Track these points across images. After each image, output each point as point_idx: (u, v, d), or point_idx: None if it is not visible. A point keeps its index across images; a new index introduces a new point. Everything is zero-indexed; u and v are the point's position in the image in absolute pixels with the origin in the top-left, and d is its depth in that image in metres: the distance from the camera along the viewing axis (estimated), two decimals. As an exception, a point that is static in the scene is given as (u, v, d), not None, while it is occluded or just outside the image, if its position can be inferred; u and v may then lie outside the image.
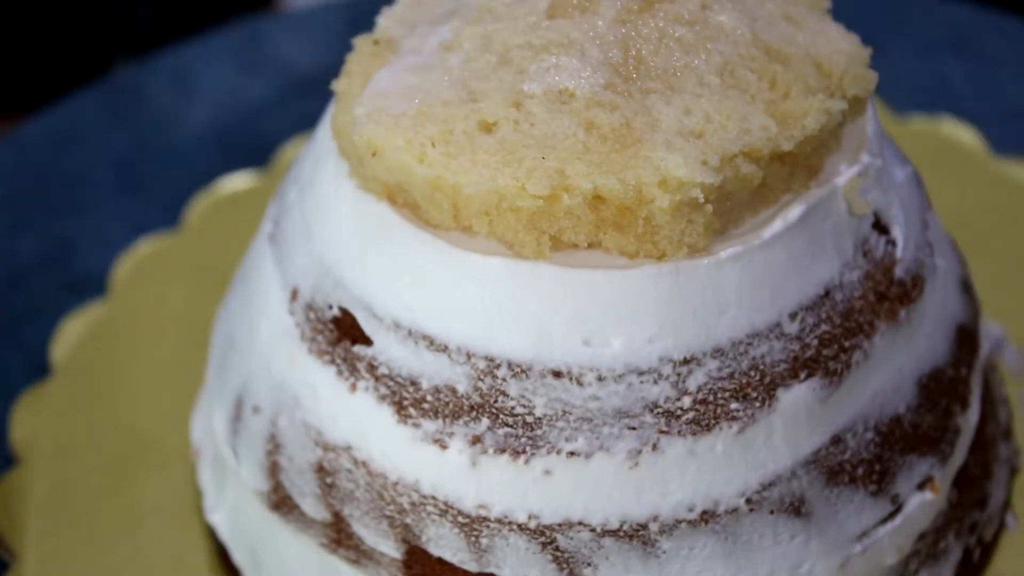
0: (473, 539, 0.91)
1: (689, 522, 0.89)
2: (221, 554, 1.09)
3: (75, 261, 1.36)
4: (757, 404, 0.88)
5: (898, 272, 0.94)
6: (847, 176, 0.91)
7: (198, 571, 1.09)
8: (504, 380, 0.88)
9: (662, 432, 0.88)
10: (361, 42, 0.96)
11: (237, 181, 1.41)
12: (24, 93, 1.79)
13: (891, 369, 0.93)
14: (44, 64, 1.81)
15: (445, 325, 0.88)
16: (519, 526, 0.90)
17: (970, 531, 1.03)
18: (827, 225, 0.90)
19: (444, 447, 0.90)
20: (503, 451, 0.89)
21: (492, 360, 0.88)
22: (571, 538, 0.89)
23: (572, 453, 0.88)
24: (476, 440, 0.89)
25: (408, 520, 0.92)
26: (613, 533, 0.89)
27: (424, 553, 0.93)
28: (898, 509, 0.95)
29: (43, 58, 1.82)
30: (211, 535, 1.10)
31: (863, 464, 0.92)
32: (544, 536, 0.90)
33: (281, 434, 0.97)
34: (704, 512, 0.89)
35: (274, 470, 0.99)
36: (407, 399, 0.90)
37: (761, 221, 0.88)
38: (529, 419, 0.88)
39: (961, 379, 0.99)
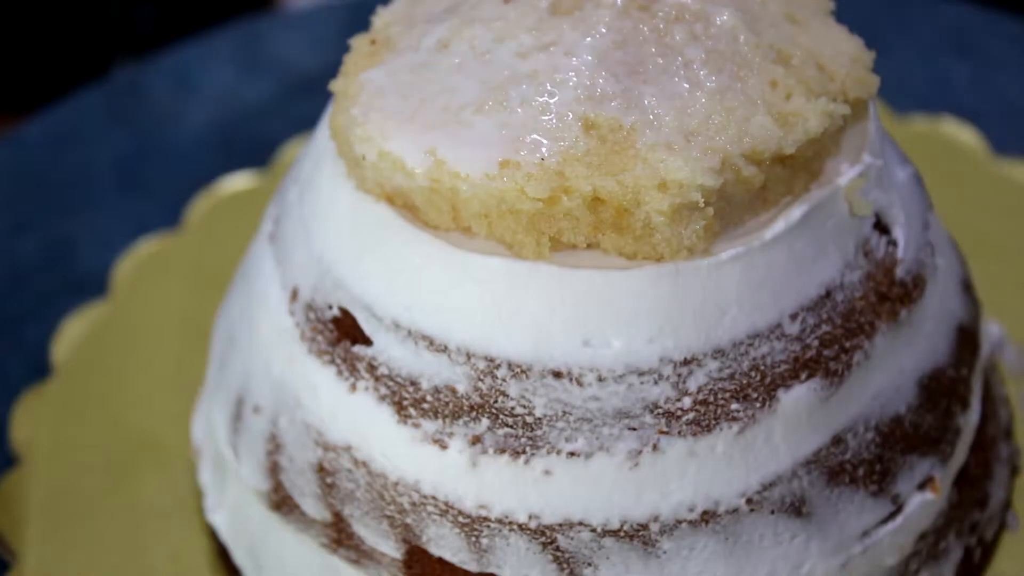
0: (473, 539, 0.91)
1: (690, 522, 0.89)
2: (221, 554, 1.09)
3: (75, 261, 1.36)
4: (758, 405, 0.88)
5: (899, 272, 0.94)
6: (848, 177, 0.91)
7: (198, 571, 1.09)
8: (504, 380, 0.88)
9: (662, 432, 0.88)
10: (358, 42, 0.96)
11: (237, 181, 1.41)
12: (24, 93, 1.79)
13: (892, 369, 0.93)
14: (44, 64, 1.81)
15: (445, 325, 0.88)
16: (519, 526, 0.90)
17: (971, 531, 1.03)
18: (828, 226, 0.90)
19: (444, 447, 0.90)
20: (503, 451, 0.89)
21: (492, 360, 0.88)
22: (572, 538, 0.89)
23: (572, 453, 0.88)
24: (476, 440, 0.89)
25: (408, 520, 0.92)
26: (614, 533, 0.89)
27: (424, 553, 0.93)
28: (899, 509, 0.95)
29: (43, 58, 1.81)
30: (211, 535, 1.10)
31: (864, 464, 0.92)
32: (544, 536, 0.90)
33: (282, 434, 0.97)
34: (704, 512, 0.89)
35: (274, 470, 0.99)
36: (407, 399, 0.90)
37: (762, 222, 0.88)
38: (529, 419, 0.88)
39: (962, 379, 0.99)
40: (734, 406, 0.88)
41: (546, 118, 0.87)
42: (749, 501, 0.90)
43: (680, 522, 0.89)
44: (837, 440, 0.91)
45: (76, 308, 1.29)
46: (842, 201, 0.91)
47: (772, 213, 0.89)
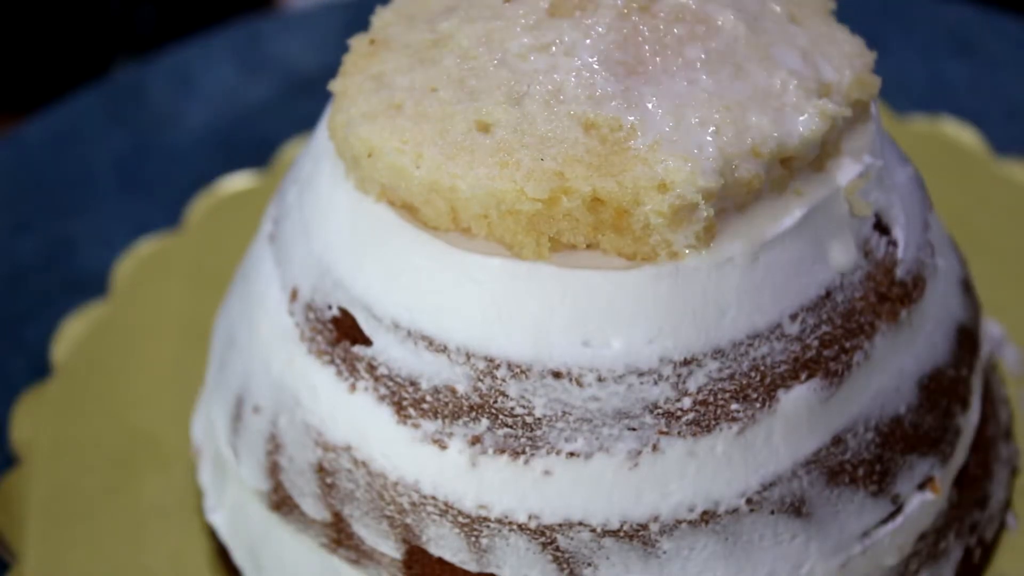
0: (473, 539, 0.91)
1: (689, 522, 0.89)
2: (221, 554, 1.09)
3: (76, 261, 1.36)
4: (757, 405, 0.88)
5: (899, 273, 0.94)
6: (849, 177, 0.91)
7: (198, 571, 1.09)
8: (504, 381, 0.88)
9: (662, 433, 0.87)
10: (357, 42, 0.96)
11: (237, 181, 1.41)
12: (24, 93, 1.79)
13: (892, 369, 0.93)
14: (44, 64, 1.81)
15: (444, 325, 0.88)
16: (519, 526, 0.90)
17: (971, 531, 1.03)
18: (828, 226, 0.90)
19: (444, 447, 0.90)
20: (503, 451, 0.89)
21: (492, 360, 0.88)
22: (571, 538, 0.89)
23: (572, 454, 0.88)
24: (476, 440, 0.89)
25: (408, 520, 0.92)
26: (613, 533, 0.89)
27: (424, 553, 0.93)
28: (899, 509, 0.95)
29: (43, 58, 1.81)
30: (211, 535, 1.10)
31: (864, 464, 0.92)
32: (544, 536, 0.90)
33: (281, 434, 0.97)
34: (704, 512, 0.89)
35: (274, 470, 0.99)
36: (407, 399, 0.90)
37: (762, 222, 0.88)
38: (529, 420, 0.88)
39: (962, 379, 0.99)
40: (734, 406, 0.88)
41: (546, 118, 0.87)
42: (749, 501, 0.90)
43: (680, 522, 0.89)
44: (837, 440, 0.91)
45: (76, 308, 1.29)
46: (842, 201, 0.91)
47: (772, 213, 0.89)
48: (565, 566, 0.90)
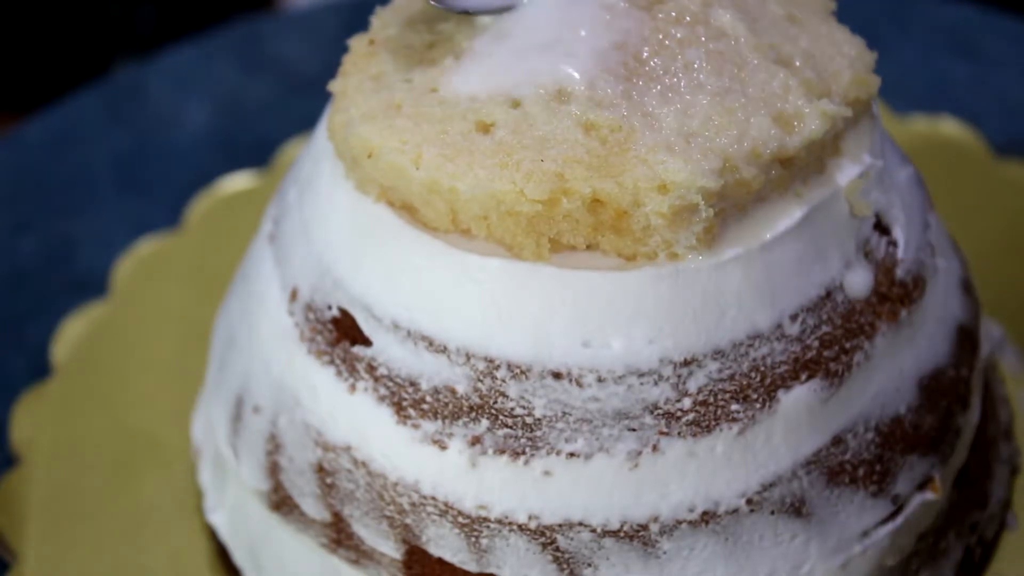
0: (473, 539, 0.91)
1: (689, 523, 0.89)
2: (221, 554, 1.09)
3: (76, 261, 1.36)
4: (757, 405, 0.88)
5: (899, 273, 0.94)
6: (849, 177, 0.91)
7: (198, 571, 1.09)
8: (504, 381, 0.88)
9: (662, 433, 0.87)
10: (357, 42, 0.96)
11: (237, 181, 1.41)
12: (24, 93, 1.79)
13: (892, 370, 0.93)
14: (44, 64, 1.81)
15: (444, 326, 0.88)
16: (519, 527, 0.90)
17: (971, 531, 1.03)
18: (828, 226, 0.90)
19: (444, 448, 0.90)
20: (503, 452, 0.89)
21: (492, 361, 0.88)
22: (571, 539, 0.89)
23: (572, 454, 0.88)
24: (476, 441, 0.89)
25: (408, 520, 0.92)
26: (613, 534, 0.89)
27: (424, 553, 0.93)
28: (899, 509, 0.95)
29: (43, 58, 1.82)
30: (211, 535, 1.10)
31: (864, 464, 0.92)
32: (544, 536, 0.90)
33: (281, 434, 0.97)
34: (704, 513, 0.89)
35: (274, 470, 0.99)
36: (406, 400, 0.90)
37: (762, 223, 0.88)
38: (529, 420, 0.88)
39: (962, 379, 0.99)
40: (734, 407, 0.88)
41: (545, 119, 0.87)
42: (749, 501, 0.90)
43: (680, 522, 0.89)
44: (837, 440, 0.91)
45: (76, 308, 1.29)
46: (842, 201, 0.91)
47: (772, 213, 0.89)
48: (565, 566, 0.90)
